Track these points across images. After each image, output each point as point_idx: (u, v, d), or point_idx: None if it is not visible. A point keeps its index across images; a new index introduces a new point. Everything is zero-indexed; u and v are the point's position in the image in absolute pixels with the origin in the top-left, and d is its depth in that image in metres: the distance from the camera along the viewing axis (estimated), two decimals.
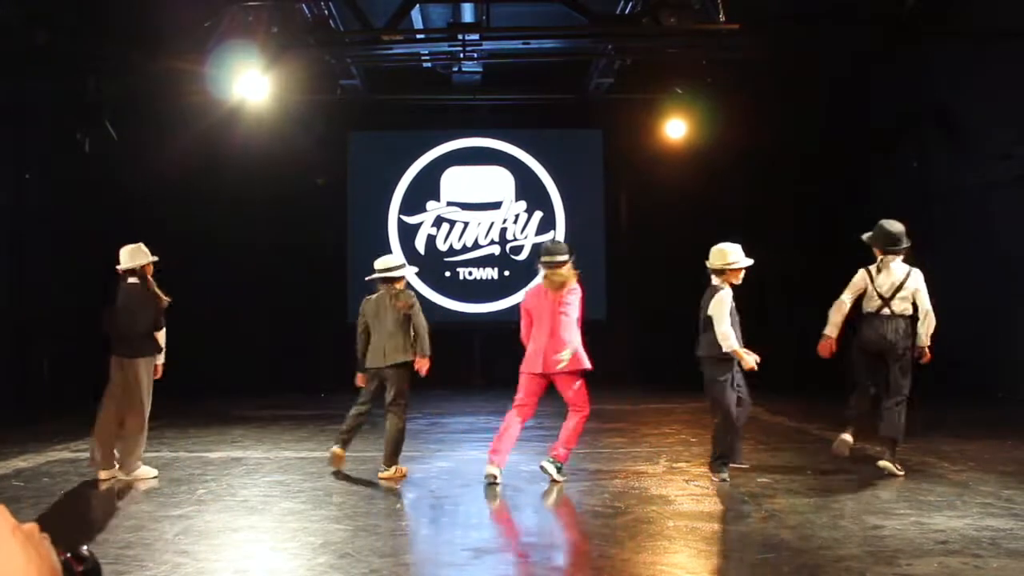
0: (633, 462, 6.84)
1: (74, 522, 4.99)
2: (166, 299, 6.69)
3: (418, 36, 11.71)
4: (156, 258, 6.80)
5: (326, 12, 10.65)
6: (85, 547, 0.94)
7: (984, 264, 11.21)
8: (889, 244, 6.33)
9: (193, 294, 13.69)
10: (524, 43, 11.95)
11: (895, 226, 6.38)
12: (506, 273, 14.55)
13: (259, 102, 10.45)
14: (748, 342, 6.41)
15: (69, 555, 0.94)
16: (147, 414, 6.50)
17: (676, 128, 12.64)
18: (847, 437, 6.24)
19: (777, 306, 14.10)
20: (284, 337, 13.76)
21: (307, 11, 10.41)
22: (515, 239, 14.77)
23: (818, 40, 11.82)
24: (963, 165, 11.57)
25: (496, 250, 14.66)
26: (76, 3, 10.47)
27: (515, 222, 14.82)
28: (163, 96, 11.82)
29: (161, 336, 6.71)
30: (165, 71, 10.57)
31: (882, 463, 6.11)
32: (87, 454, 7.54)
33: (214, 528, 4.85)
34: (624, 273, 14.51)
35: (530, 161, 14.91)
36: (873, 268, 6.43)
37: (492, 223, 14.77)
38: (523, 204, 14.83)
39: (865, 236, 6.51)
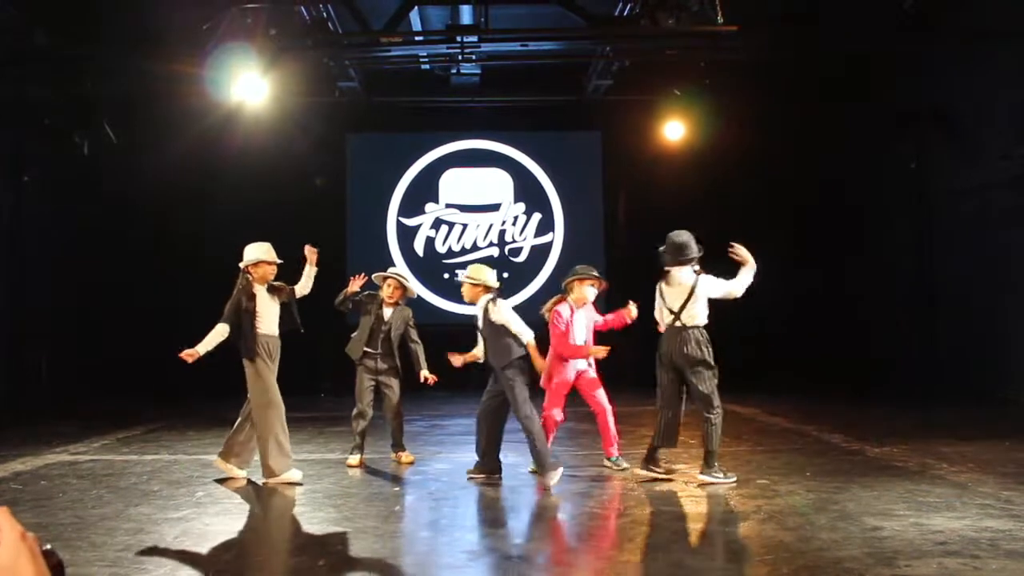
0: (632, 464, 6.83)
1: (73, 525, 4.98)
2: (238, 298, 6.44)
3: (416, 38, 11.72)
4: (257, 260, 6.49)
5: (324, 14, 10.66)
6: (48, 545, 0.97)
7: (983, 264, 11.22)
8: (678, 255, 6.21)
9: (191, 295, 13.70)
10: (522, 45, 11.95)
11: (681, 236, 6.27)
12: (505, 275, 14.54)
13: (258, 104, 10.45)
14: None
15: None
16: (260, 419, 6.29)
17: (674, 130, 12.65)
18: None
19: (774, 306, 14.10)
20: (283, 338, 13.75)
21: (305, 13, 10.41)
22: (514, 241, 14.78)
23: (816, 40, 11.83)
24: (962, 165, 11.58)
25: (495, 252, 14.66)
26: (75, 5, 10.48)
27: (514, 224, 14.82)
28: (162, 98, 11.83)
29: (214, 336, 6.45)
30: (164, 73, 10.59)
31: (700, 477, 6.07)
32: (86, 456, 7.55)
33: (213, 531, 4.84)
34: (623, 274, 14.50)
35: (529, 163, 14.92)
36: (663, 283, 6.28)
37: (491, 225, 14.77)
38: (522, 206, 14.84)
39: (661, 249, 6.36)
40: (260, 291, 6.45)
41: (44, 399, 11.77)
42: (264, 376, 6.31)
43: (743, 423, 9.48)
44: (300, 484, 6.17)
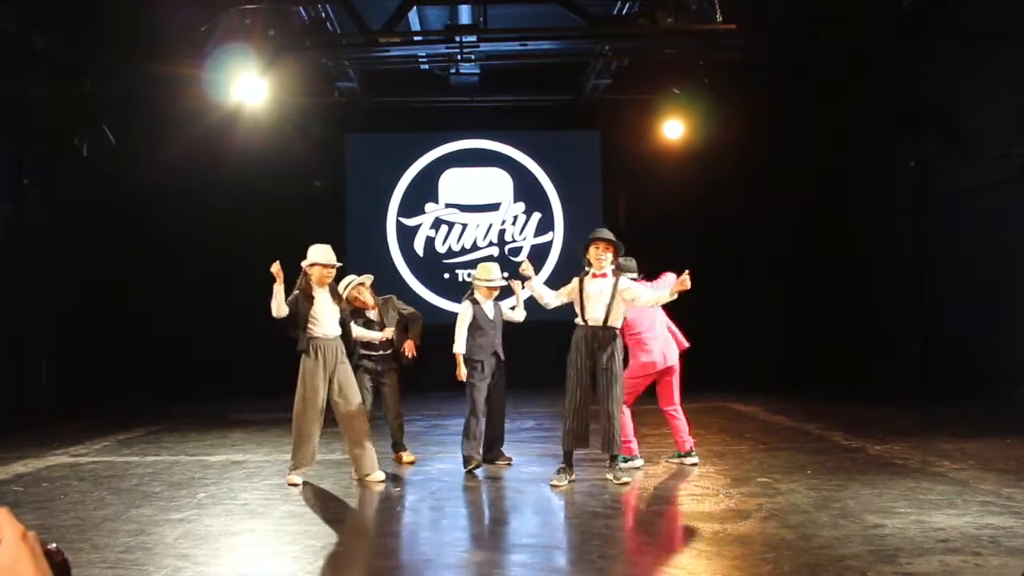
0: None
1: (74, 527, 4.98)
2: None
3: (415, 38, 11.72)
4: (312, 261, 6.36)
5: (323, 15, 10.66)
6: (53, 544, 0.98)
7: (983, 263, 11.21)
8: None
9: (191, 297, 13.71)
10: (521, 44, 11.96)
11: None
12: (505, 274, 14.51)
13: (257, 105, 10.46)
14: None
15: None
16: (295, 415, 6.27)
17: (674, 129, 12.64)
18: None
19: (774, 306, 14.11)
20: (283, 340, 13.77)
21: (304, 14, 10.42)
22: (514, 240, 14.77)
23: (816, 40, 11.82)
24: (961, 165, 11.57)
25: (495, 251, 14.65)
26: (74, 7, 10.47)
27: (513, 223, 14.82)
28: (161, 100, 11.83)
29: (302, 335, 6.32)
30: (163, 74, 10.58)
31: (610, 475, 6.11)
32: (87, 458, 7.55)
33: (214, 532, 4.84)
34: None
35: (528, 162, 14.91)
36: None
37: (491, 224, 14.77)
38: (521, 205, 14.84)
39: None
40: (320, 294, 6.35)
41: (45, 401, 11.77)
42: (308, 378, 6.24)
43: (744, 421, 9.48)
44: (296, 485, 6.19)
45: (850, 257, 14.14)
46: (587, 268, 6.29)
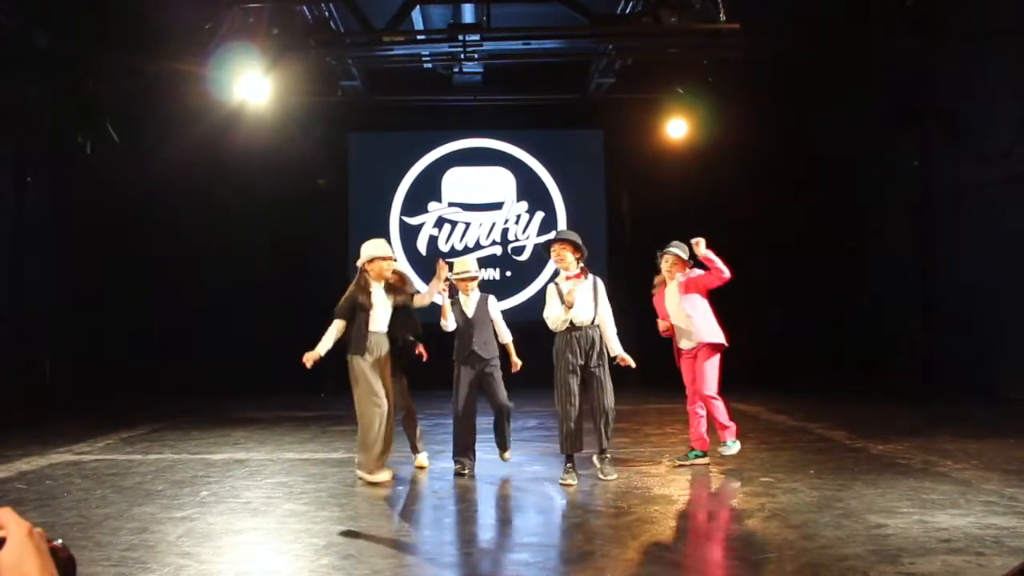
0: (636, 462, 6.84)
1: (77, 524, 4.98)
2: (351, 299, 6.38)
3: (418, 37, 11.72)
4: (371, 256, 6.41)
5: (326, 13, 10.68)
6: (59, 540, 0.99)
7: (984, 262, 11.20)
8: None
9: (193, 295, 13.73)
10: (525, 43, 11.96)
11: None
12: (508, 273, 14.55)
13: (260, 103, 10.48)
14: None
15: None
16: (362, 415, 6.28)
17: (677, 128, 12.64)
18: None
19: (777, 305, 14.09)
20: (285, 338, 13.78)
21: (307, 12, 10.43)
22: (516, 239, 14.77)
23: (819, 39, 11.81)
24: (963, 163, 11.56)
25: (498, 251, 14.66)
26: (76, 6, 10.49)
27: (516, 222, 14.82)
28: (164, 98, 11.85)
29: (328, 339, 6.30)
30: (166, 73, 10.60)
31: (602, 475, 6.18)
32: (90, 456, 7.56)
33: (217, 530, 4.85)
34: (625, 272, 14.51)
35: (531, 161, 14.91)
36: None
37: (494, 224, 14.78)
38: (524, 204, 14.84)
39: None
40: (376, 288, 6.44)
41: (48, 399, 11.79)
42: (368, 374, 6.27)
43: (747, 421, 9.48)
44: (390, 483, 6.20)
45: (853, 256, 14.13)
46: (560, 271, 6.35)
